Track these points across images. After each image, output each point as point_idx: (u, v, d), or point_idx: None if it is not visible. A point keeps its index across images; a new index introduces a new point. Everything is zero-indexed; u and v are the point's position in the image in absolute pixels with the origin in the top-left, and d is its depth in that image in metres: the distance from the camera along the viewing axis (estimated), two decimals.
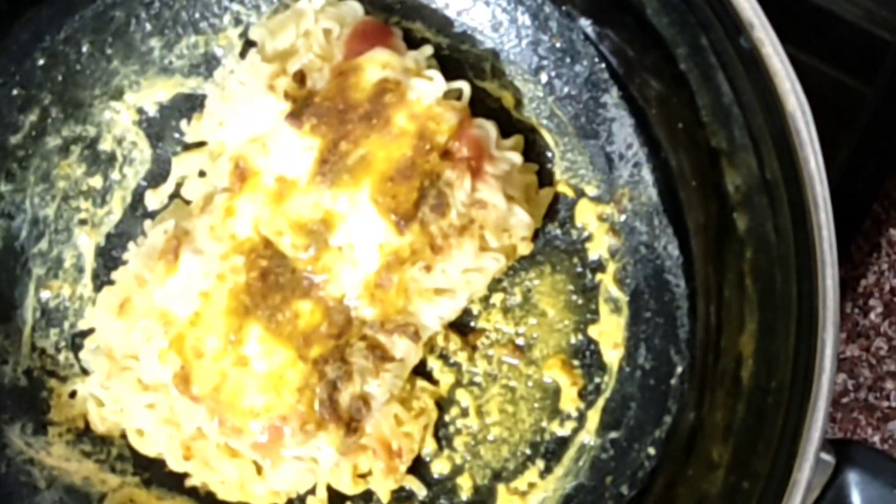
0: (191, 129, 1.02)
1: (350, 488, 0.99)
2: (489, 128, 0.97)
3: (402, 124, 0.93)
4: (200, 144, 1.02)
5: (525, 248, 0.98)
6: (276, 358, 0.92)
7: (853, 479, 0.84)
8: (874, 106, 1.10)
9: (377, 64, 0.95)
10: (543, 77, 1.02)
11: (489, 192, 0.95)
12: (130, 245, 1.00)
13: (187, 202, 1.00)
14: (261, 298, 0.93)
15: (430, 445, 1.01)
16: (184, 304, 0.93)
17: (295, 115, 0.94)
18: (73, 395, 1.01)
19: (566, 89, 1.02)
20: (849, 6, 1.08)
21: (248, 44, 1.02)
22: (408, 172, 0.92)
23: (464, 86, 0.98)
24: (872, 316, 1.14)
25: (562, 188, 1.02)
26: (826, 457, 0.83)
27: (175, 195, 1.02)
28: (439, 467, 1.02)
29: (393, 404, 0.98)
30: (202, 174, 1.00)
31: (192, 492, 1.01)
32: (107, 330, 0.97)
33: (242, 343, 0.92)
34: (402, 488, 1.01)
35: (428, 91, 0.95)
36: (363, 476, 0.99)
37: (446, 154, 0.94)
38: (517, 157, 0.98)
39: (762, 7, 0.83)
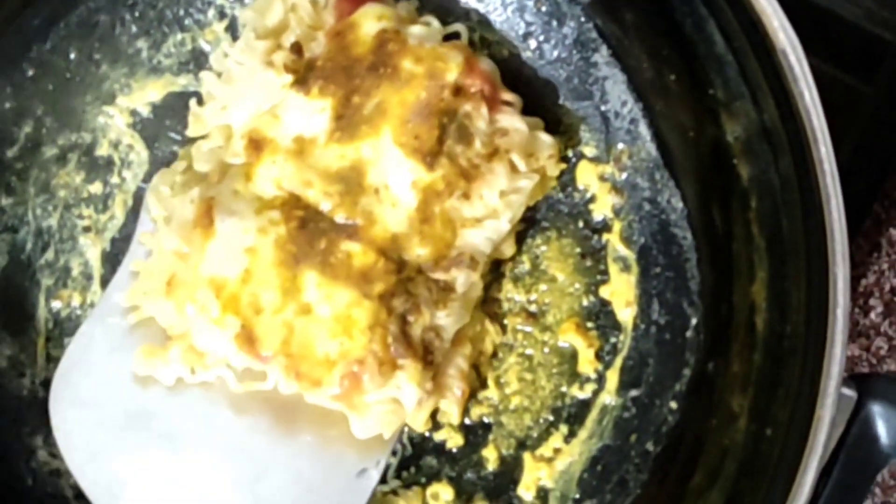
0: (191, 123, 1.00)
1: (425, 426, 0.98)
2: (492, 65, 0.97)
3: (410, 68, 0.93)
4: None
5: (553, 169, 0.98)
6: (340, 300, 0.90)
7: (877, 410, 0.83)
8: (874, 106, 1.10)
9: (372, 17, 0.94)
10: (532, 43, 1.02)
11: (508, 119, 0.95)
12: (140, 235, 1.00)
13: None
14: (307, 246, 0.91)
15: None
16: (231, 265, 0.91)
17: (300, 82, 0.93)
18: None
19: (556, 53, 1.01)
20: (849, 6, 1.08)
21: (235, 37, 1.02)
22: (425, 113, 0.92)
23: (460, 28, 0.99)
24: (872, 316, 1.14)
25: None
26: (847, 391, 0.83)
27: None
28: (462, 441, 1.02)
29: (465, 345, 0.98)
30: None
31: None
32: (157, 312, 0.95)
33: (301, 291, 0.90)
34: (427, 465, 1.01)
35: (428, 35, 0.95)
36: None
37: (459, 91, 0.93)
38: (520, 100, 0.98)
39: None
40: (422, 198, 0.92)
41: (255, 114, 0.95)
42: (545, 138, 0.97)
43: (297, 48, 0.94)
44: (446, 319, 0.93)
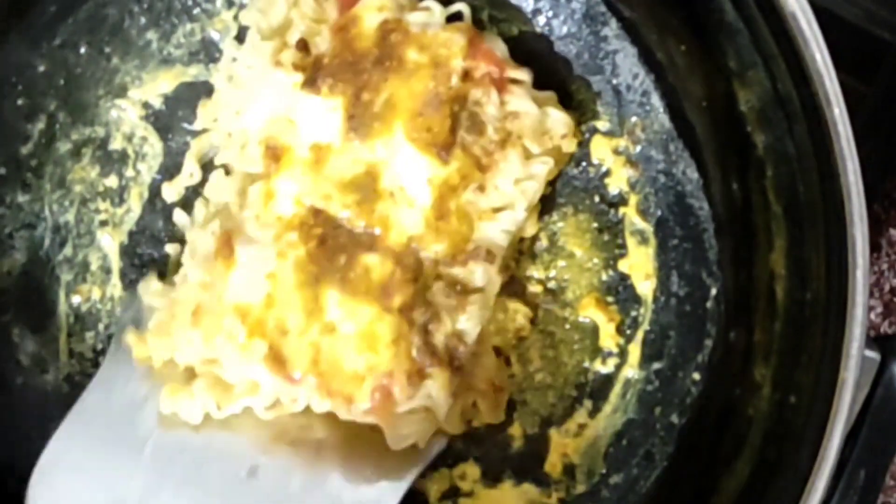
0: (200, 116, 1.01)
1: (459, 428, 0.98)
2: (499, 41, 0.97)
3: (415, 58, 0.93)
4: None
5: (569, 146, 0.98)
6: (362, 316, 0.91)
7: None
8: (874, 106, 1.10)
9: (373, 9, 0.94)
10: (541, 19, 1.02)
11: (518, 101, 0.95)
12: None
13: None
14: (327, 263, 0.92)
15: None
16: (254, 291, 0.92)
17: (310, 82, 0.93)
18: None
19: (565, 28, 1.01)
20: (849, 6, 1.08)
21: (244, 26, 1.02)
22: (435, 103, 0.92)
23: (462, 7, 0.98)
24: (872, 316, 1.14)
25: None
26: (870, 353, 0.82)
27: (191, 186, 1.03)
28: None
29: (491, 338, 0.98)
30: (227, 172, 1.00)
31: None
32: (184, 343, 0.95)
33: (323, 311, 0.91)
34: (453, 446, 1.01)
35: (430, 21, 0.95)
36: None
37: (466, 76, 0.93)
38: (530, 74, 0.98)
39: None
40: (437, 194, 0.92)
41: (269, 118, 0.95)
42: (557, 116, 0.97)
43: (303, 45, 0.94)
44: (467, 323, 0.94)
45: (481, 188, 0.93)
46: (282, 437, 0.95)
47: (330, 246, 0.92)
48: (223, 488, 0.93)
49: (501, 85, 0.95)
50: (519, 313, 1.01)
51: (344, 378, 0.91)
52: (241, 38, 1.02)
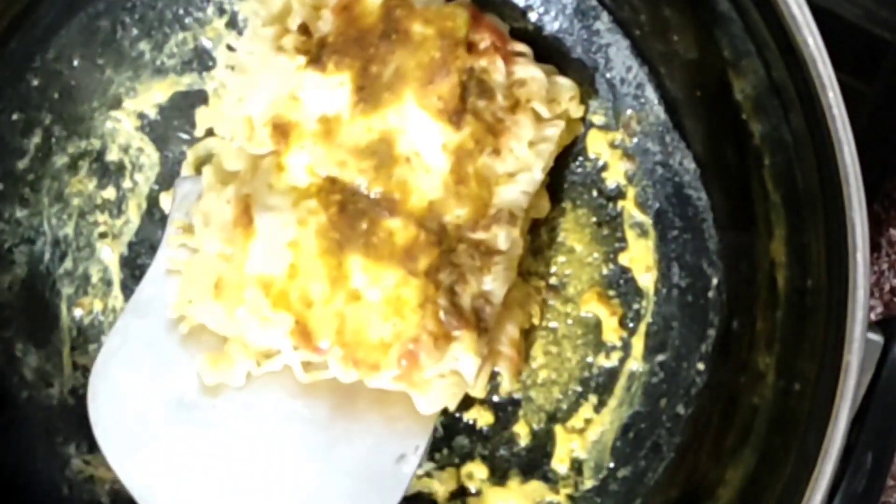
0: (199, 120, 1.01)
1: (484, 392, 0.98)
2: (499, 20, 0.97)
3: (420, 31, 0.92)
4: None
5: (577, 111, 0.98)
6: (387, 281, 0.90)
7: None
8: (874, 106, 1.10)
9: None
10: (532, 16, 1.02)
11: (523, 69, 0.95)
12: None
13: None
14: (349, 229, 0.90)
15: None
16: (276, 261, 0.91)
17: (315, 60, 0.93)
18: None
19: (557, 24, 1.01)
20: (849, 6, 1.08)
21: (239, 27, 1.03)
22: (443, 73, 0.91)
23: None
24: (873, 316, 1.14)
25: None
26: (874, 336, 0.82)
27: None
28: (492, 419, 1.02)
29: (514, 309, 0.98)
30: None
31: None
32: (207, 316, 0.95)
33: (348, 278, 0.90)
34: (459, 445, 1.01)
35: None
36: None
37: (471, 48, 0.93)
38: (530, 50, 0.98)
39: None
40: (454, 160, 0.91)
41: (273, 100, 0.94)
42: (563, 81, 0.97)
43: (304, 29, 0.94)
44: (493, 284, 0.92)
45: (496, 152, 0.93)
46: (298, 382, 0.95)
47: (350, 212, 0.91)
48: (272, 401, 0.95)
49: (506, 55, 0.94)
50: (534, 295, 1.01)
51: (369, 347, 0.90)
52: (239, 31, 1.03)
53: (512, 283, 0.95)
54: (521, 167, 0.94)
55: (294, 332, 0.90)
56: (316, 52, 0.93)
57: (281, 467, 0.94)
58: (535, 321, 1.01)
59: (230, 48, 1.01)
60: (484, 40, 0.93)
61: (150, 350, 0.96)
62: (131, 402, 0.95)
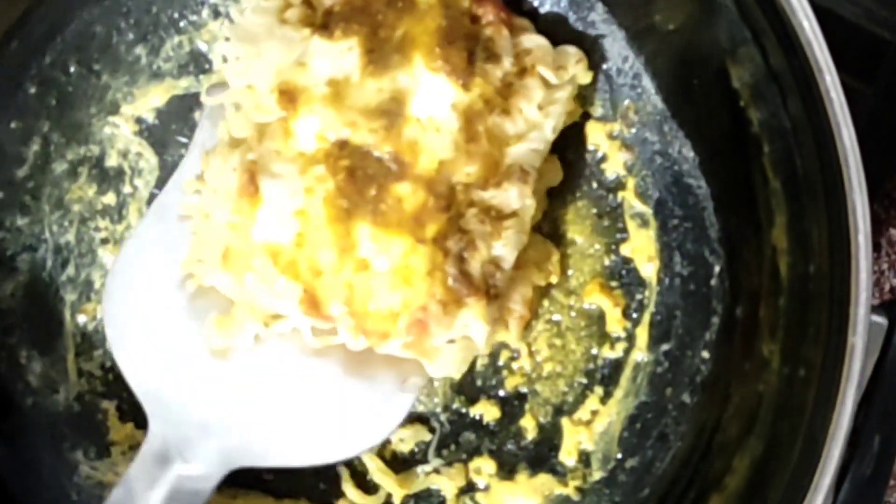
0: (208, 91, 1.01)
1: (489, 349, 0.98)
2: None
3: (425, 0, 0.92)
4: None
5: (584, 76, 0.98)
6: (395, 250, 0.89)
7: None
8: (874, 106, 1.10)
9: None
10: (526, 7, 1.01)
11: (528, 38, 0.95)
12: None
13: None
14: (357, 196, 0.89)
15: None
16: (283, 230, 0.90)
17: (322, 28, 0.92)
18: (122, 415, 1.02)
19: (551, 15, 1.01)
20: (849, 6, 1.08)
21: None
22: (450, 38, 0.91)
23: None
24: None
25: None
26: (878, 319, 0.82)
27: None
28: (499, 413, 1.02)
29: (530, 269, 0.98)
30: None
31: (266, 486, 1.02)
32: (216, 283, 0.94)
33: (356, 247, 0.89)
34: (466, 440, 1.01)
35: None
36: None
37: (475, 21, 0.93)
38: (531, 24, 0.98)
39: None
40: (464, 119, 0.91)
41: (279, 68, 0.93)
42: (568, 48, 0.97)
43: (307, 1, 0.94)
44: (503, 249, 0.92)
45: (507, 112, 0.92)
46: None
47: (359, 177, 0.90)
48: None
49: (510, 27, 0.94)
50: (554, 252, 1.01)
51: (379, 316, 0.90)
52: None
53: (525, 245, 0.94)
54: (531, 127, 0.94)
55: (303, 301, 0.90)
56: (322, 21, 0.93)
57: (282, 389, 0.95)
58: (554, 279, 1.01)
59: (230, 20, 1.00)
60: (487, 14, 0.93)
61: (169, 255, 0.96)
62: (145, 308, 0.96)
